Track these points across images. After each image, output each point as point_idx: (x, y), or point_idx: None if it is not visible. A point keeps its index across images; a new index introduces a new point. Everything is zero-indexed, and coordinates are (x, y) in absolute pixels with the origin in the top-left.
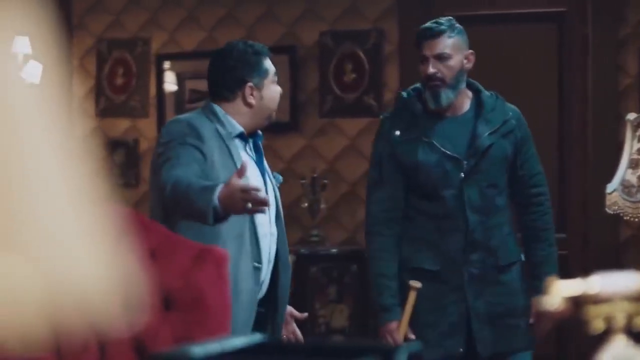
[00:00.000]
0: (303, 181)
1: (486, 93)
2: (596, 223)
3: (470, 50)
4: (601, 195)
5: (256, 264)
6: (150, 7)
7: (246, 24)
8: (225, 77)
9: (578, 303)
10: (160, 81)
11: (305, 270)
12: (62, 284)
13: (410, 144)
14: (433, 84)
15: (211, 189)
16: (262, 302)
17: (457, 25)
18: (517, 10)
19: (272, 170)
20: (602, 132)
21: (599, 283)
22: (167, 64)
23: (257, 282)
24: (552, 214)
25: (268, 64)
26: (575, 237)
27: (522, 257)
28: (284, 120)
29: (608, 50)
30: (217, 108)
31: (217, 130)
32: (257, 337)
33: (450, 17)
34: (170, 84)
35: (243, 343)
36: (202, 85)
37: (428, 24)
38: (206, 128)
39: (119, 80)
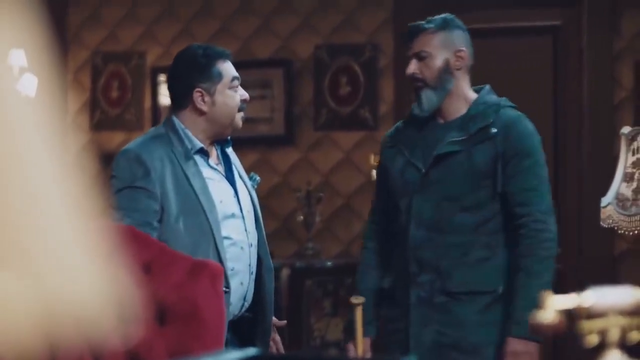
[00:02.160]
0: (298, 194)
1: (482, 98)
2: (591, 237)
3: (462, 48)
4: (596, 208)
5: (225, 289)
6: (146, 21)
7: (241, 37)
8: (176, 83)
9: (572, 317)
10: (155, 94)
11: (301, 284)
12: (57, 298)
13: (388, 150)
14: (415, 85)
15: None
16: (250, 308)
17: (452, 21)
18: (513, 24)
19: (261, 176)
20: (597, 145)
21: (593, 297)
22: (162, 77)
23: (227, 306)
24: (544, 239)
25: (224, 68)
26: (569, 250)
27: (501, 288)
28: (279, 133)
29: (603, 63)
30: (177, 122)
31: (172, 152)
32: (251, 351)
33: (448, 14)
34: (165, 97)
35: (237, 357)
36: None
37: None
38: (157, 156)
39: (114, 94)
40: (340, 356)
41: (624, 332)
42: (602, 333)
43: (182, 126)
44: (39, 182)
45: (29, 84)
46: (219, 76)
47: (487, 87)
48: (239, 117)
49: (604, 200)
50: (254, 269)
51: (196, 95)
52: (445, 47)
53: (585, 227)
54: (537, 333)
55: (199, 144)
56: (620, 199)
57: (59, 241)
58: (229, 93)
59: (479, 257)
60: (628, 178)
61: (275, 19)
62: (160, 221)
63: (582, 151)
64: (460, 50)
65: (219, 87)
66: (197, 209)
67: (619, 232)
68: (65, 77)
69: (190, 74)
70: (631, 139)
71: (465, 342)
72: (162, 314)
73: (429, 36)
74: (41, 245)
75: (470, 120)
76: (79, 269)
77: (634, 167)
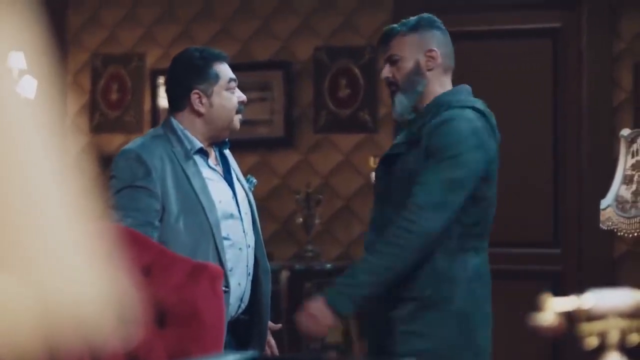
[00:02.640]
0: (297, 196)
1: (440, 97)
2: (590, 239)
3: (433, 48)
4: (595, 211)
5: (225, 289)
6: (145, 23)
7: (241, 39)
8: (174, 85)
9: (572, 319)
10: (155, 96)
11: (300, 286)
12: (56, 300)
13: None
14: (390, 89)
15: None
16: (246, 310)
17: (426, 21)
18: (513, 26)
19: (258, 178)
20: (597, 147)
21: (593, 299)
22: (162, 79)
23: (227, 305)
24: (402, 227)
25: (220, 69)
26: (569, 252)
27: (428, 293)
28: (278, 136)
29: (603, 65)
30: (175, 123)
31: (172, 152)
32: (249, 354)
33: (426, 14)
34: (165, 99)
35: (236, 359)
36: None
37: None
38: (157, 154)
39: (114, 96)
40: (340, 358)
41: (624, 334)
42: (602, 335)
43: (181, 127)
44: (39, 184)
45: (29, 86)
46: (216, 78)
47: (461, 87)
48: (236, 118)
49: (604, 203)
50: (251, 270)
51: (194, 97)
52: (416, 48)
53: (584, 229)
54: (537, 334)
55: (199, 144)
56: (619, 201)
57: (58, 243)
58: (226, 94)
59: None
60: (627, 180)
61: (275, 21)
62: (160, 220)
63: (582, 153)
64: (431, 51)
65: (216, 88)
66: (197, 208)
67: (619, 234)
68: (64, 79)
69: (188, 76)
70: (630, 141)
71: (389, 350)
72: (161, 316)
73: (400, 39)
74: (41, 247)
75: (414, 121)
76: (78, 271)
77: (633, 170)
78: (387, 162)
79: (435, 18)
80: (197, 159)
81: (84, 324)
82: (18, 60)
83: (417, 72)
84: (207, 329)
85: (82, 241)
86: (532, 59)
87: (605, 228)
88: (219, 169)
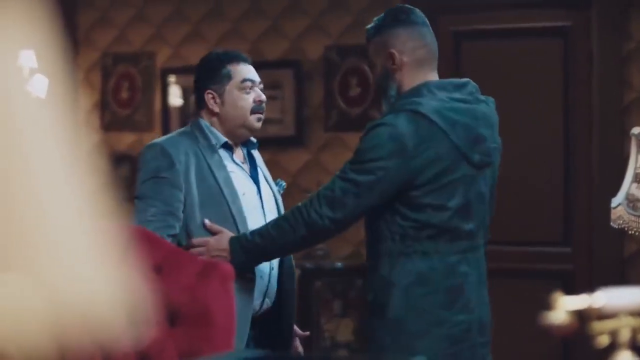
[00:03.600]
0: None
1: (398, 101)
2: (601, 237)
3: (390, 50)
4: (606, 209)
5: (250, 275)
6: (155, 22)
7: (251, 38)
8: (195, 85)
9: (583, 318)
10: (165, 95)
11: (310, 285)
12: (67, 300)
13: None
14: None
15: None
16: (270, 310)
17: (386, 20)
18: (522, 25)
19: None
20: (607, 146)
21: (604, 298)
22: (172, 78)
23: (251, 295)
24: (295, 210)
25: (235, 69)
26: (580, 251)
27: (370, 297)
28: (289, 134)
29: (613, 65)
30: (202, 121)
31: (198, 147)
32: (258, 352)
33: (387, 11)
34: (175, 97)
35: (245, 357)
36: None
37: None
38: (182, 149)
39: (124, 94)
40: (350, 357)
41: (635, 332)
42: (613, 334)
43: (207, 124)
44: (50, 183)
45: (40, 85)
46: (228, 77)
47: (422, 84)
48: (253, 118)
49: (614, 201)
50: (274, 265)
51: (207, 97)
52: (381, 52)
53: (595, 228)
54: (548, 334)
55: (224, 139)
56: (630, 200)
57: (70, 242)
58: (239, 94)
59: (370, 264)
60: (638, 179)
61: (285, 20)
62: (184, 212)
63: (592, 152)
64: (389, 53)
65: (228, 87)
66: (220, 199)
67: (630, 232)
68: (75, 78)
69: (203, 77)
70: None
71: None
72: (172, 315)
73: (370, 45)
74: (52, 247)
75: None
76: (90, 270)
77: None
78: None
79: (403, 10)
80: (222, 153)
81: (95, 323)
82: (29, 59)
83: (386, 76)
84: (218, 327)
85: (93, 240)
86: (542, 58)
87: (616, 227)
88: (246, 167)
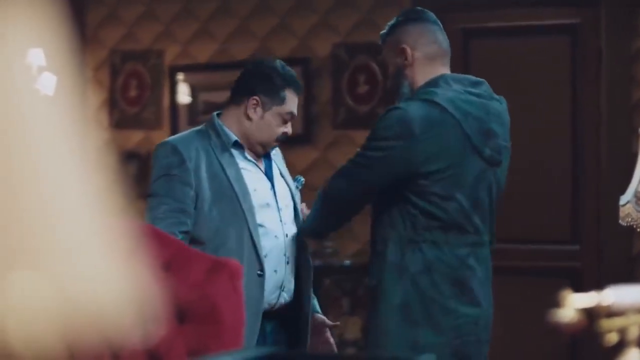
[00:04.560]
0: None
1: (416, 93)
2: (610, 235)
3: (401, 45)
4: (615, 207)
5: (259, 272)
6: (164, 19)
7: (260, 35)
8: (245, 80)
9: (591, 316)
10: (173, 93)
11: (319, 282)
12: (76, 298)
13: None
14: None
15: None
16: (288, 305)
17: (398, 20)
18: (531, 23)
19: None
20: (616, 144)
21: (612, 295)
22: (180, 76)
23: (262, 290)
24: (322, 190)
25: (290, 98)
26: (588, 249)
27: (373, 283)
28: (297, 132)
29: (621, 62)
30: (216, 120)
31: (209, 144)
32: (266, 349)
33: (403, 10)
34: (183, 95)
35: (253, 355)
36: (216, 97)
37: None
38: (192, 147)
39: (133, 92)
40: (358, 355)
41: None
42: (622, 331)
43: (221, 123)
44: (59, 180)
45: (48, 83)
46: (281, 101)
47: (437, 77)
48: (273, 143)
49: (623, 199)
50: (290, 260)
51: (251, 102)
52: (393, 51)
53: (604, 225)
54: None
55: (234, 137)
56: (639, 197)
57: (78, 239)
58: (278, 121)
59: (376, 250)
60: None
61: (294, 18)
62: (195, 208)
63: (601, 150)
64: (400, 49)
65: (275, 108)
66: (230, 196)
67: (638, 230)
68: (84, 75)
69: (258, 82)
70: None
71: None
72: (181, 313)
73: (384, 47)
74: (61, 243)
75: None
76: (98, 267)
77: None
78: None
79: (415, 10)
80: (234, 151)
81: (103, 320)
82: (37, 56)
83: (399, 74)
84: (226, 325)
85: (102, 237)
86: (551, 55)
87: (625, 224)
88: (260, 164)
